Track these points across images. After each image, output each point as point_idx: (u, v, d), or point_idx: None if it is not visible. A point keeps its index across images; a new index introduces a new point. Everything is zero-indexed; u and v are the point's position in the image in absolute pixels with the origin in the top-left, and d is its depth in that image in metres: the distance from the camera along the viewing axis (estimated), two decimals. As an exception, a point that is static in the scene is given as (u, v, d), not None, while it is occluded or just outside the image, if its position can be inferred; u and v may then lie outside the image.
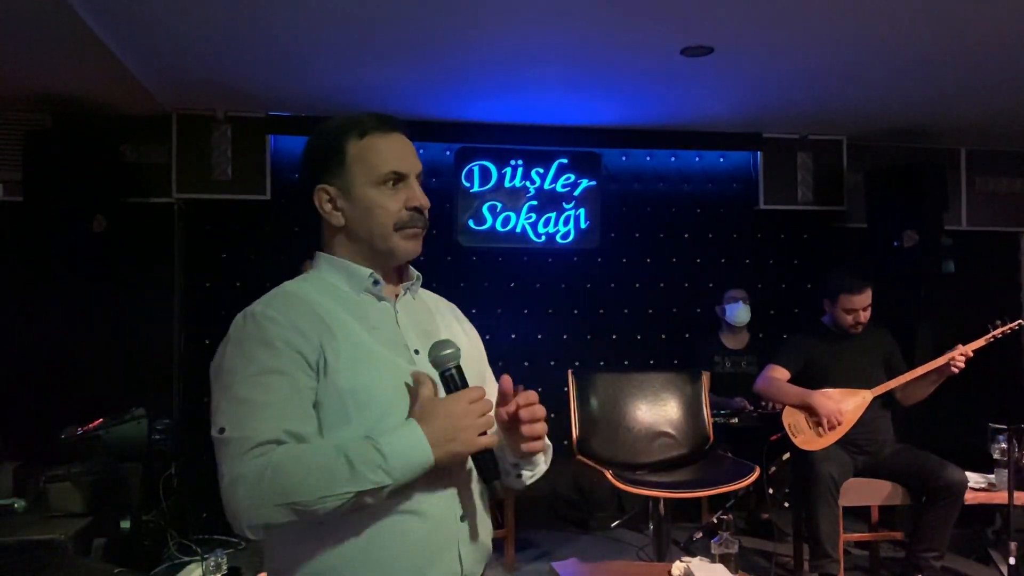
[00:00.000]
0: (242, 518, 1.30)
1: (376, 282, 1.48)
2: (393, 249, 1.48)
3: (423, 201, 1.48)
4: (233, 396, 1.34)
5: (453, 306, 1.71)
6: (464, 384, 1.40)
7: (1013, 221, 5.93)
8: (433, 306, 1.63)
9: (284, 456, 1.29)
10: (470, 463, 1.46)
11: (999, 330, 3.80)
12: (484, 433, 1.37)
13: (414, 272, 1.58)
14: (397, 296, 1.54)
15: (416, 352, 1.47)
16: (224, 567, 3.32)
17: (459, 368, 1.41)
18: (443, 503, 1.43)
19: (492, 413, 1.40)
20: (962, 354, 3.70)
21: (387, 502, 1.35)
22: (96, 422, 4.03)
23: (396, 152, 1.48)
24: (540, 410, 1.44)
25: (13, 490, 3.83)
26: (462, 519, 1.46)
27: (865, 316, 3.91)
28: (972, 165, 5.86)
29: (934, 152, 5.62)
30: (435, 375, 1.42)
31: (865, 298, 3.89)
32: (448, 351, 1.40)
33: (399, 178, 1.47)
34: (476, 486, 1.53)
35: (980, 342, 3.78)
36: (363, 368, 1.38)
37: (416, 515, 1.39)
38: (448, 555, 1.43)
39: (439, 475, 1.40)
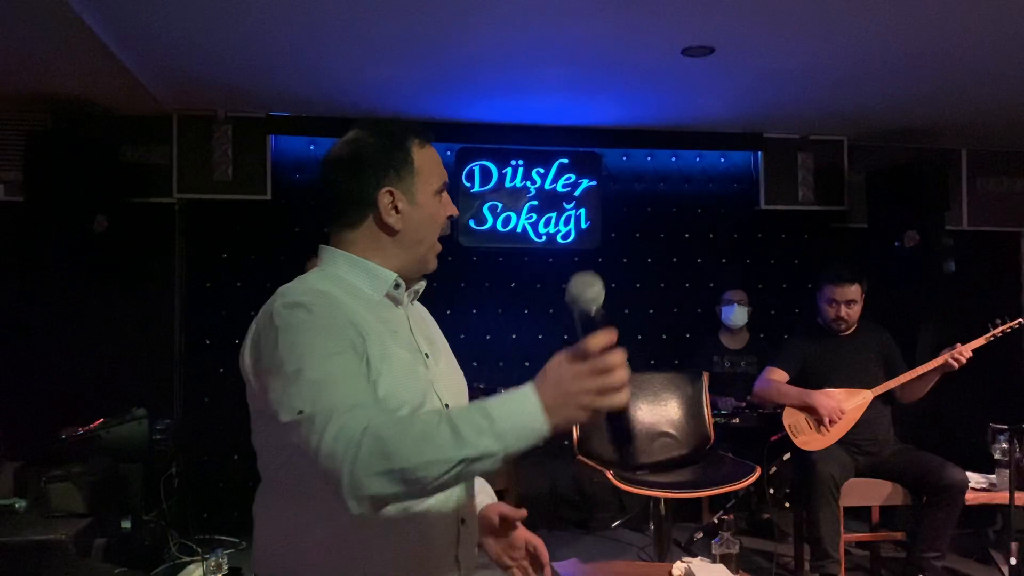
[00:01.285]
0: (345, 491, 1.16)
1: (398, 286, 1.46)
2: (427, 263, 1.50)
3: (455, 210, 1.53)
4: (306, 379, 1.24)
5: None
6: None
7: (1014, 221, 5.92)
8: (425, 312, 1.64)
9: (380, 420, 1.19)
10: None
11: (999, 328, 3.80)
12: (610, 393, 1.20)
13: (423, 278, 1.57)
14: (410, 300, 1.55)
15: (427, 356, 1.46)
16: (225, 567, 3.33)
17: (600, 311, 1.29)
18: (445, 506, 1.42)
19: (623, 371, 1.21)
20: (960, 353, 3.70)
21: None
22: (97, 422, 4.04)
23: (440, 163, 1.52)
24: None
25: (14, 490, 3.83)
26: (463, 522, 1.46)
27: (848, 312, 3.90)
28: (973, 165, 5.86)
29: (935, 152, 5.62)
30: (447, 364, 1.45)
31: (848, 292, 3.88)
32: (592, 290, 1.32)
33: (445, 187, 1.51)
34: (473, 492, 1.55)
35: (980, 341, 3.78)
36: (390, 373, 1.35)
37: (416, 517, 1.38)
38: (447, 558, 1.43)
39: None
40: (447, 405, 1.44)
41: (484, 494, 1.70)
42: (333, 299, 1.36)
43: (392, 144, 1.46)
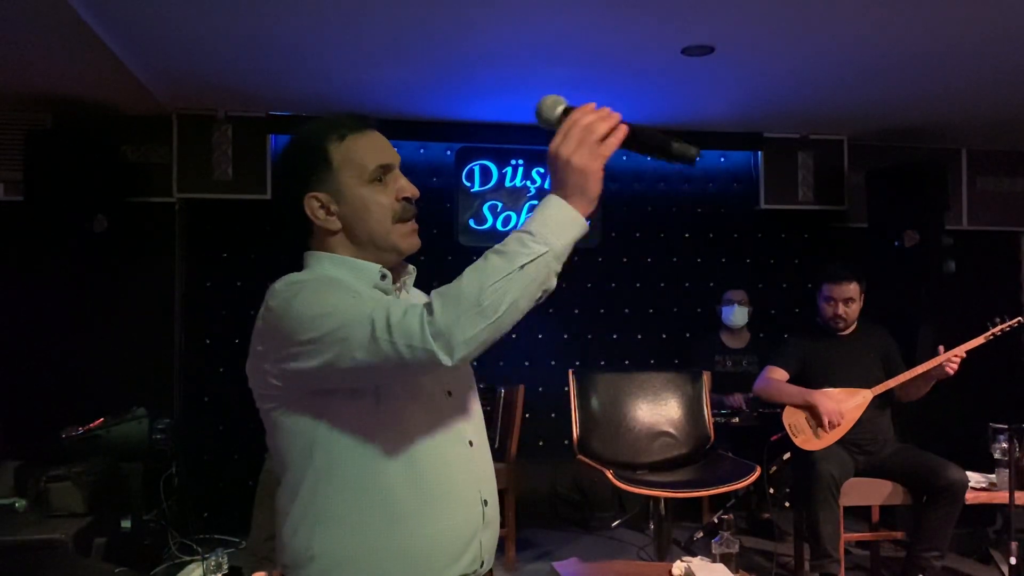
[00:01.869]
0: (440, 353, 1.19)
1: (384, 276, 1.47)
2: (395, 244, 1.46)
3: (413, 190, 1.48)
4: (334, 314, 1.27)
5: None
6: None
7: (1014, 221, 5.92)
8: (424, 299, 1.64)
9: (430, 296, 1.23)
10: (484, 440, 1.50)
11: (998, 327, 3.80)
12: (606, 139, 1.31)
13: (410, 267, 1.57)
14: (398, 291, 1.54)
15: None
16: (225, 567, 3.32)
17: (568, 109, 1.36)
18: (469, 488, 1.44)
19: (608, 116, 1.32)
20: (955, 356, 3.70)
21: (416, 490, 1.35)
22: (97, 422, 4.04)
23: (378, 147, 1.47)
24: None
25: (14, 490, 3.83)
26: (485, 504, 1.47)
27: (845, 310, 3.91)
28: (973, 165, 5.86)
29: (935, 152, 5.62)
30: None
31: (846, 290, 3.89)
32: (548, 102, 1.38)
33: (386, 171, 1.46)
34: (492, 467, 1.55)
35: (980, 340, 3.78)
36: None
37: (444, 500, 1.40)
38: (472, 541, 1.44)
39: (461, 457, 1.43)
40: (449, 393, 1.46)
41: None
42: (337, 280, 1.40)
43: (305, 150, 1.46)
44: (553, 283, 1.27)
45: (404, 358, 1.21)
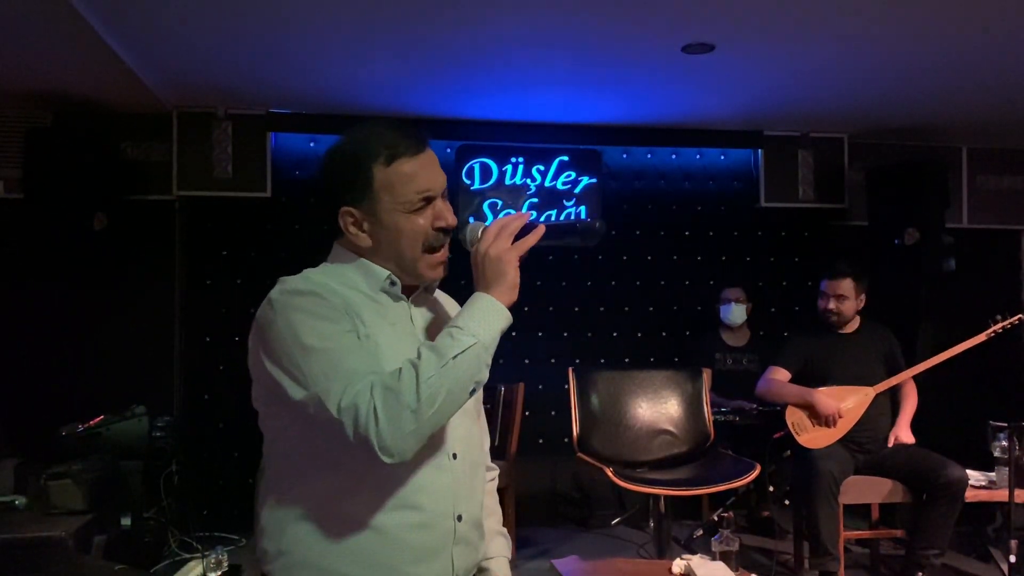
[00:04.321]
0: (376, 446, 1.26)
1: (393, 283, 1.48)
2: (420, 273, 1.48)
3: (451, 220, 1.47)
4: (314, 356, 1.31)
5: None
6: None
7: (1014, 219, 5.91)
8: (449, 305, 1.65)
9: (383, 377, 1.29)
10: (462, 457, 1.47)
11: (999, 325, 3.80)
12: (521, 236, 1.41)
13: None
14: (411, 295, 1.54)
15: None
16: (225, 564, 3.33)
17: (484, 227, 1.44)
18: (441, 499, 1.43)
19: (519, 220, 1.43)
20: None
21: (385, 496, 1.36)
22: (97, 419, 4.04)
23: (425, 174, 1.44)
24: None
25: (14, 487, 3.83)
26: (459, 519, 1.45)
27: (838, 306, 3.92)
28: (973, 163, 5.85)
29: (935, 150, 5.62)
30: None
31: (839, 286, 3.91)
32: (470, 226, 1.45)
33: (428, 200, 1.45)
34: (478, 490, 1.54)
35: (981, 337, 3.79)
36: (384, 361, 1.38)
37: (414, 509, 1.39)
38: (442, 555, 1.43)
39: (439, 468, 1.42)
40: None
41: (497, 543, 1.69)
42: (330, 289, 1.40)
43: (350, 164, 1.45)
44: (485, 375, 1.34)
45: (348, 438, 1.27)
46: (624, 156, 5.60)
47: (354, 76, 4.34)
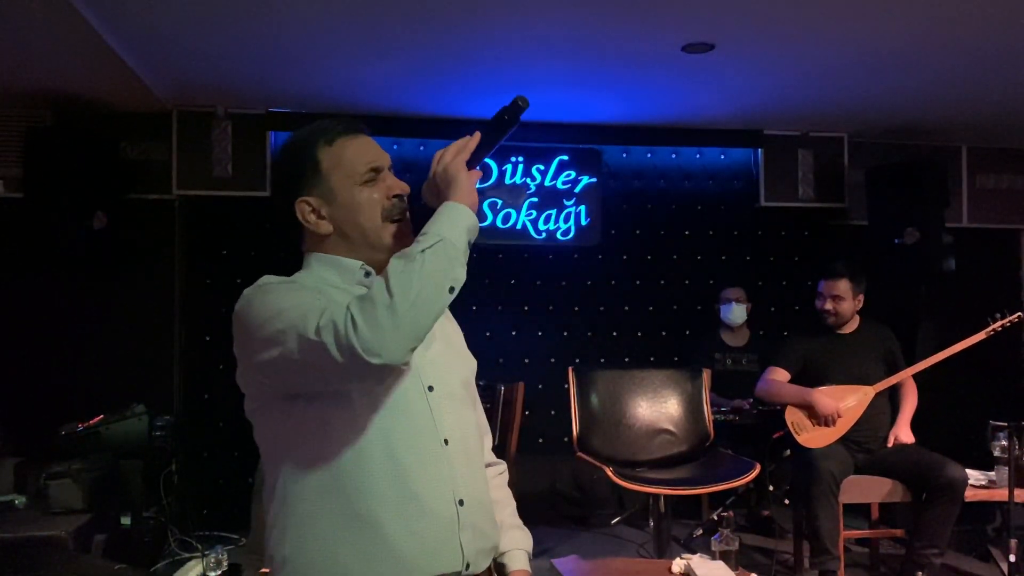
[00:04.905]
0: (362, 352, 1.24)
1: (368, 274, 1.49)
2: (387, 243, 1.48)
3: (403, 187, 1.51)
4: (286, 312, 1.32)
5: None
6: None
7: (1014, 218, 5.91)
8: None
9: (352, 299, 1.29)
10: (465, 440, 1.48)
11: (999, 323, 3.80)
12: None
13: None
14: None
15: None
16: (224, 563, 3.32)
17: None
18: (438, 486, 1.42)
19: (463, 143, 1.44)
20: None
21: (383, 491, 1.36)
22: (97, 418, 4.04)
23: (367, 150, 1.51)
24: None
25: (14, 486, 3.84)
26: (461, 504, 1.44)
27: (834, 306, 3.93)
28: (973, 162, 5.85)
29: (935, 149, 5.62)
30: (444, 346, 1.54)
31: (835, 286, 3.92)
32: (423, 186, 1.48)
33: (376, 172, 1.49)
34: (478, 474, 1.53)
35: (980, 335, 3.79)
36: None
37: (412, 500, 1.38)
38: (450, 542, 1.42)
39: (432, 456, 1.42)
40: (431, 388, 1.46)
41: (512, 536, 1.67)
42: (302, 280, 1.47)
43: (295, 155, 1.50)
44: (461, 274, 1.34)
45: (335, 359, 1.25)
46: (624, 155, 5.60)
47: (354, 75, 4.34)
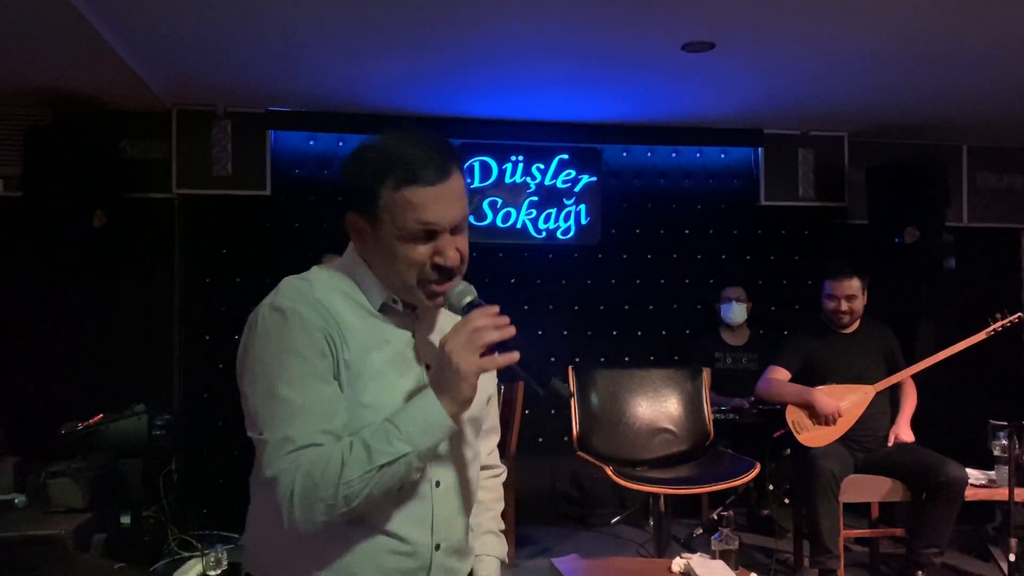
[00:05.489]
0: (287, 519, 1.28)
1: (395, 302, 1.42)
2: (414, 298, 1.41)
3: (451, 259, 1.36)
4: (271, 397, 1.31)
5: None
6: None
7: (1014, 217, 5.92)
8: (450, 317, 1.53)
9: (312, 459, 1.28)
10: (445, 484, 1.44)
11: (999, 323, 3.80)
12: (496, 350, 1.31)
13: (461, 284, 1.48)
14: (417, 307, 1.46)
15: (428, 367, 1.42)
16: (224, 562, 3.32)
17: (476, 299, 1.38)
18: (418, 528, 1.40)
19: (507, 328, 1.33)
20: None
21: (363, 523, 1.34)
22: (96, 417, 4.03)
23: (434, 207, 1.34)
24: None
25: (13, 485, 3.83)
26: (437, 548, 1.42)
27: (849, 306, 3.91)
28: (973, 161, 5.85)
29: (935, 148, 5.62)
30: None
31: (847, 287, 3.90)
32: (458, 290, 1.38)
33: (429, 234, 1.35)
34: (461, 518, 1.49)
35: (981, 335, 3.78)
36: (361, 386, 1.35)
37: (391, 537, 1.37)
38: (423, 534, 1.40)
39: (419, 497, 1.39)
40: None
41: (486, 541, 1.65)
42: (318, 308, 1.35)
43: (361, 178, 1.37)
44: (415, 476, 1.33)
45: (269, 490, 1.29)
46: (624, 154, 5.59)
47: (354, 74, 4.34)
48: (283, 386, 1.30)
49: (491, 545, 1.65)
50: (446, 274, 1.37)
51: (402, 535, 1.38)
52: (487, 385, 1.56)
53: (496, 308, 1.36)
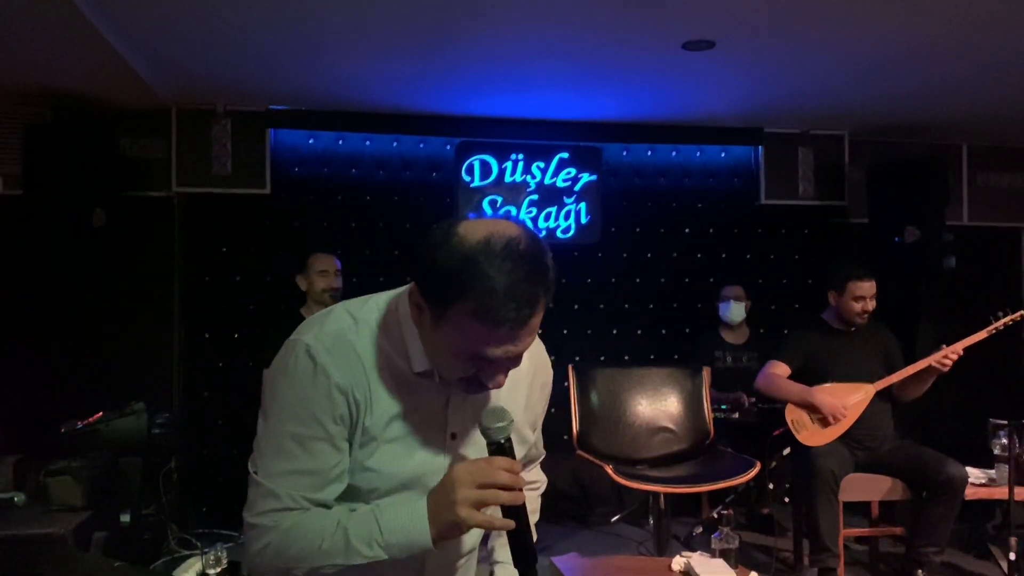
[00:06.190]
0: (248, 560, 1.36)
1: (429, 372, 1.36)
2: (455, 383, 1.35)
3: (496, 385, 1.31)
4: (277, 445, 1.33)
5: (543, 362, 1.60)
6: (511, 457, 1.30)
7: (1014, 216, 5.92)
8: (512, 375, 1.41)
9: (293, 524, 1.31)
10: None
11: (1000, 321, 3.80)
12: (508, 509, 1.28)
13: None
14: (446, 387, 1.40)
15: (453, 436, 1.39)
16: (224, 561, 3.32)
17: (508, 441, 1.31)
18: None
19: (517, 492, 1.27)
20: (948, 355, 3.70)
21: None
22: (96, 416, 4.02)
23: (499, 348, 1.25)
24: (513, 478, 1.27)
25: (13, 484, 3.82)
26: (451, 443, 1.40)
27: (872, 305, 3.93)
28: (973, 161, 5.85)
29: (935, 147, 5.61)
30: (476, 452, 1.38)
31: (871, 287, 3.93)
32: (498, 424, 1.30)
33: (479, 363, 1.28)
34: (458, 563, 1.50)
35: (982, 334, 3.78)
36: (371, 450, 1.34)
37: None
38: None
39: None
40: (453, 435, 1.40)
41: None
42: (355, 364, 1.32)
43: (442, 277, 1.23)
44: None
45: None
46: (624, 153, 5.59)
47: (354, 73, 4.33)
48: (291, 441, 1.31)
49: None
50: (482, 390, 1.33)
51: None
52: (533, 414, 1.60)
53: (519, 466, 1.31)
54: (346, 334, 1.34)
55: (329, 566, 1.29)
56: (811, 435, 3.83)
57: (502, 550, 1.62)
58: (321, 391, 1.30)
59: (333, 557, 1.28)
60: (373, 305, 1.39)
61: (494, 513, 1.28)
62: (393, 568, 1.31)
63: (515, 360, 1.30)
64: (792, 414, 3.88)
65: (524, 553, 1.32)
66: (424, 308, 1.28)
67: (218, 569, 3.26)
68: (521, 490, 1.27)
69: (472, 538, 1.53)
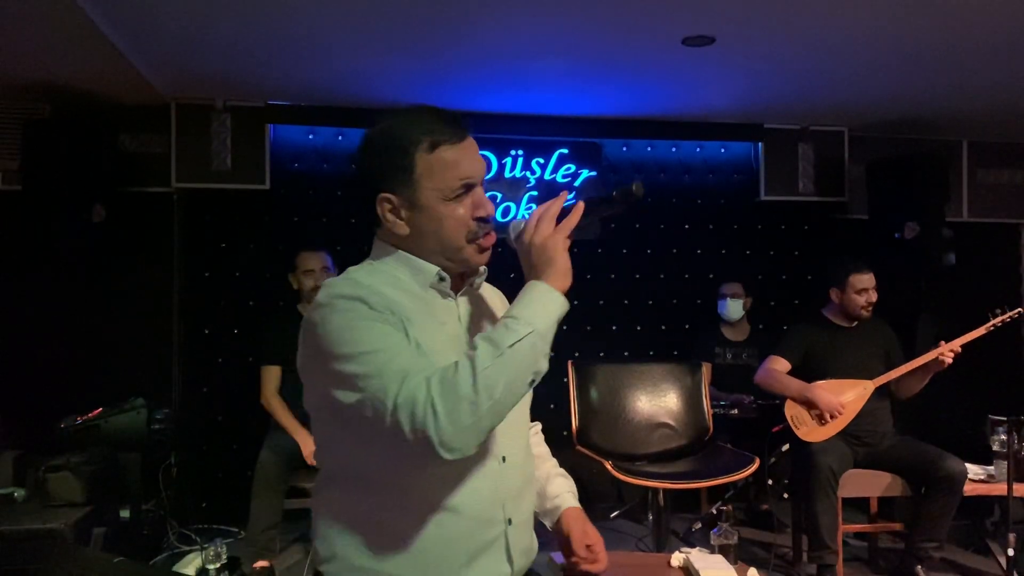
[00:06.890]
0: (436, 443, 1.22)
1: (443, 279, 1.46)
2: (466, 260, 1.46)
3: (489, 209, 1.45)
4: (364, 358, 1.28)
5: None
6: None
7: (1014, 213, 5.92)
8: (494, 300, 1.64)
9: (436, 371, 1.26)
10: (511, 460, 1.47)
11: (999, 318, 3.80)
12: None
13: (481, 268, 1.56)
14: (459, 291, 1.52)
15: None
16: (224, 556, 3.32)
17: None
18: (490, 505, 1.43)
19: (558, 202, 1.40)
20: (946, 352, 3.70)
21: (434, 504, 1.36)
22: (96, 412, 4.03)
23: (467, 161, 1.43)
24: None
25: (13, 479, 3.83)
26: (510, 523, 1.46)
27: (874, 296, 3.95)
28: (973, 157, 5.85)
29: (935, 144, 5.61)
30: None
31: (872, 278, 3.94)
32: (511, 227, 1.43)
33: (468, 188, 1.43)
34: (528, 491, 1.55)
35: (981, 330, 3.79)
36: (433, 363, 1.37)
37: (455, 513, 1.39)
38: (495, 555, 1.44)
39: (487, 474, 1.42)
40: None
41: (559, 483, 1.77)
42: (375, 292, 1.37)
43: (387, 149, 1.42)
44: (544, 365, 1.31)
45: (407, 439, 1.22)
46: (624, 149, 5.59)
47: (353, 68, 4.32)
48: (372, 344, 1.29)
49: (565, 484, 1.78)
50: (489, 225, 1.45)
51: (475, 513, 1.40)
52: None
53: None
54: (361, 279, 1.42)
55: (492, 367, 1.24)
56: (810, 431, 3.83)
57: (553, 485, 1.74)
58: (371, 307, 1.33)
59: (488, 357, 1.24)
60: (351, 269, 1.49)
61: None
62: (477, 500, 1.38)
63: (482, 196, 1.45)
64: (791, 410, 3.88)
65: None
66: (396, 201, 1.41)
67: (218, 564, 3.27)
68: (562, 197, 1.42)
69: (530, 465, 1.61)
